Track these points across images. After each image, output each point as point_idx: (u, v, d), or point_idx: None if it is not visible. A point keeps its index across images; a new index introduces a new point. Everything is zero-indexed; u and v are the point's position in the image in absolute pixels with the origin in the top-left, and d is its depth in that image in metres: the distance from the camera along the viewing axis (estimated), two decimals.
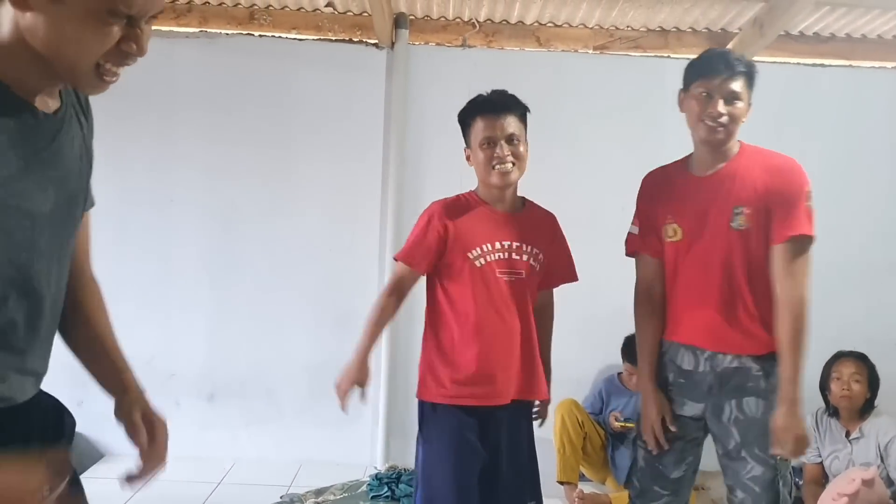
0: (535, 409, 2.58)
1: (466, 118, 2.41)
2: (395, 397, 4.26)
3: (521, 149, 2.37)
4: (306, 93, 4.22)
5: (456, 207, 2.40)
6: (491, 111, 2.35)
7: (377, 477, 3.76)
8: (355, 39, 4.22)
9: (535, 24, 4.28)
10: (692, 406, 2.37)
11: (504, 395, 2.36)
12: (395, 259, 2.48)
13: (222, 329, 4.30)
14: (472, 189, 2.48)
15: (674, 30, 4.30)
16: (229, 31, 4.22)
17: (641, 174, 4.25)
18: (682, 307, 2.39)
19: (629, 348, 3.97)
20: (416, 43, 4.22)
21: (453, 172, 4.20)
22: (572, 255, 2.67)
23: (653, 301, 2.53)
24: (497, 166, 2.32)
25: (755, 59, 4.13)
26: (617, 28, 4.30)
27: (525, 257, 2.40)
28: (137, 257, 4.19)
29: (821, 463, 3.62)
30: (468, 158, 2.43)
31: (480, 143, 2.33)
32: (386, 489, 3.63)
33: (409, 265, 2.40)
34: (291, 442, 4.30)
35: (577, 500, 3.75)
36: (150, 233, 4.21)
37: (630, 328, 4.01)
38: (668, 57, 4.25)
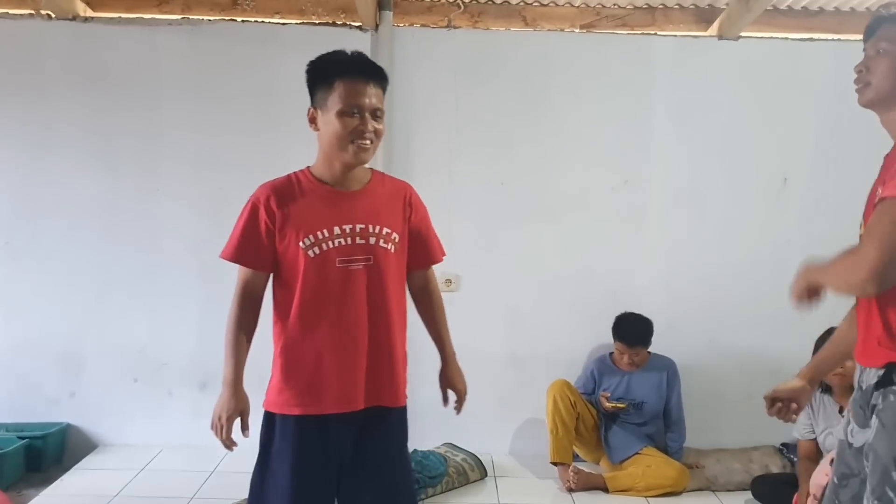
0: (454, 403, 2.40)
1: (326, 76, 2.03)
2: None
3: (381, 126, 2.07)
4: (291, 78, 4.09)
5: (284, 190, 2.08)
6: (361, 76, 2.02)
7: None
8: (339, 22, 4.18)
9: (521, 3, 4.24)
10: (860, 434, 1.88)
11: (347, 401, 2.08)
12: (225, 258, 2.14)
13: (213, 317, 4.20)
14: (307, 166, 2.16)
15: (661, 6, 4.25)
16: (212, 18, 4.18)
17: (630, 153, 4.28)
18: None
19: (620, 328, 3.97)
20: (401, 25, 4.17)
21: (441, 155, 4.23)
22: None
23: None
24: (357, 141, 2.00)
25: (742, 34, 4.12)
26: (603, 6, 4.25)
27: (373, 240, 2.09)
28: (126, 248, 4.17)
29: (814, 439, 3.60)
30: (312, 121, 2.08)
31: (342, 111, 1.99)
32: None
33: (243, 264, 2.11)
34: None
35: (572, 475, 3.75)
36: (139, 223, 4.18)
37: (620, 307, 4.07)
38: (656, 34, 4.20)
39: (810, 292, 1.92)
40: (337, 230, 2.06)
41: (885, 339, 1.79)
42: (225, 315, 4.17)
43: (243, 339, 2.12)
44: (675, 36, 4.19)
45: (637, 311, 4.01)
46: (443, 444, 4.07)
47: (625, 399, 3.93)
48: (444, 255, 2.35)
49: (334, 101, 2.01)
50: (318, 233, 2.05)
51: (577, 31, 4.26)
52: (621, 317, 3.99)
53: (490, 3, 4.23)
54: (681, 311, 4.17)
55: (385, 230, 2.12)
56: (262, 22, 4.19)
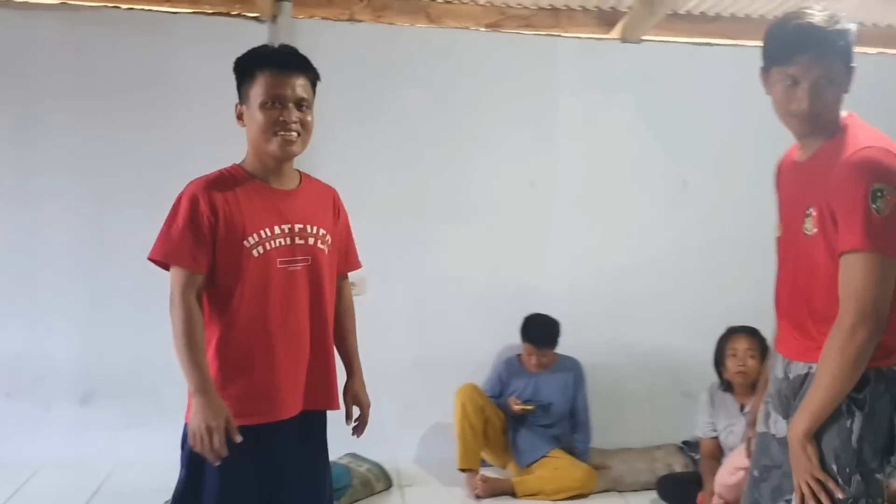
0: (355, 420, 2.29)
1: (248, 69, 1.99)
2: None
3: (309, 118, 2.04)
4: (182, 70, 3.94)
5: (222, 186, 1.97)
6: (282, 67, 1.98)
7: None
8: (234, 13, 3.97)
9: None
10: (782, 424, 1.95)
11: (290, 407, 2.02)
12: (153, 260, 1.97)
13: (98, 325, 3.99)
14: (237, 162, 2.07)
15: (564, 8, 4.25)
16: (94, 3, 3.89)
17: (539, 154, 4.26)
18: (781, 310, 2.03)
19: (528, 329, 3.93)
20: (300, 17, 4.00)
21: (344, 154, 4.08)
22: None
23: None
24: (281, 133, 1.95)
25: (644, 38, 4.16)
26: (508, 6, 4.21)
27: (311, 241, 2.04)
28: None
29: (716, 437, 3.66)
30: (239, 117, 2.03)
31: (263, 103, 1.95)
32: None
33: (185, 266, 1.92)
34: (178, 442, 4.03)
35: (479, 484, 3.67)
36: (13, 224, 3.86)
37: (527, 309, 4.03)
38: (560, 36, 4.20)
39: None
40: (277, 229, 1.99)
41: (820, 336, 1.81)
42: (110, 324, 3.95)
43: (202, 344, 1.94)
44: (580, 38, 4.19)
45: (544, 313, 3.98)
46: (345, 455, 3.92)
47: (532, 401, 3.89)
48: (360, 264, 2.34)
49: (256, 93, 1.97)
50: (262, 231, 1.97)
51: (483, 29, 4.21)
52: (529, 318, 3.95)
53: None
54: (585, 311, 4.17)
55: (321, 231, 2.09)
56: (150, 10, 3.94)
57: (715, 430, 3.67)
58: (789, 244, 1.95)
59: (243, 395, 1.96)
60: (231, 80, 3.86)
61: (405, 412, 4.12)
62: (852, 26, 1.85)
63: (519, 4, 4.21)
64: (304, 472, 2.08)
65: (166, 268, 1.98)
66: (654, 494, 3.77)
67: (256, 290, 1.96)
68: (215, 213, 1.94)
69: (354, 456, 3.89)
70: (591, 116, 4.19)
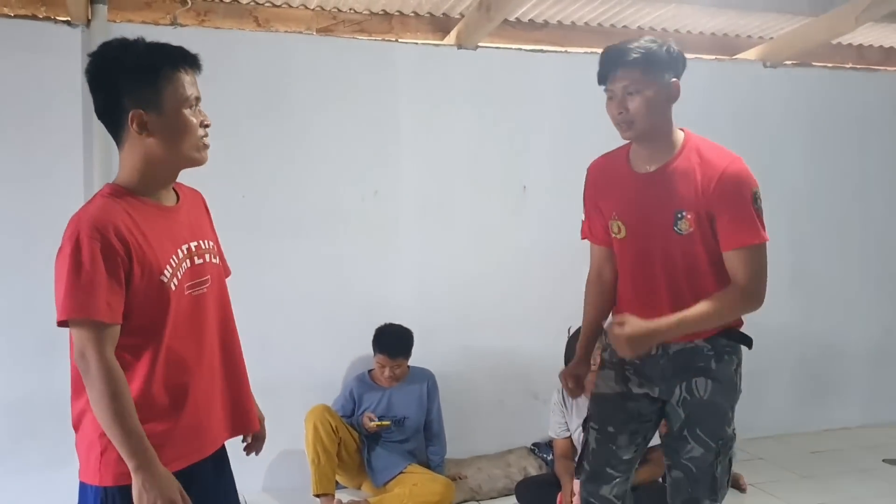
0: (245, 443, 2.11)
1: (159, 69, 1.70)
2: None
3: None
4: None
5: (121, 216, 1.67)
6: (193, 66, 1.76)
7: None
8: (40, 16, 3.60)
9: (252, 3, 3.95)
10: (650, 387, 2.30)
11: (213, 441, 1.86)
12: (69, 320, 1.64)
13: None
14: (112, 182, 1.79)
15: (397, 14, 4.19)
16: None
17: (380, 161, 4.15)
18: (631, 300, 2.31)
19: (381, 339, 3.83)
20: (117, 21, 3.69)
21: None
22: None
23: (601, 283, 2.48)
24: (205, 139, 1.77)
25: (480, 44, 4.18)
26: (339, 10, 4.10)
27: (208, 257, 1.86)
28: None
29: (569, 437, 3.71)
30: (143, 126, 1.69)
31: (188, 102, 1.73)
32: None
33: (101, 318, 1.62)
34: None
35: None
36: None
37: (375, 322, 3.92)
38: (397, 41, 4.13)
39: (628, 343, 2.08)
40: (181, 253, 1.77)
41: None
42: None
43: (132, 408, 1.64)
44: (417, 44, 4.14)
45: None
46: None
47: (387, 416, 3.78)
48: (230, 271, 2.09)
49: (176, 95, 1.71)
50: (171, 260, 1.74)
51: (315, 34, 4.06)
52: (381, 328, 3.85)
53: (219, 1, 3.89)
54: (435, 320, 4.12)
55: (209, 243, 1.89)
56: None
57: (568, 430, 3.72)
58: (649, 242, 2.22)
59: (170, 439, 1.73)
60: (41, 90, 3.56)
61: None
62: (663, 45, 2.15)
63: (351, 9, 4.11)
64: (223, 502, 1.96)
65: (66, 324, 1.67)
66: (513, 499, 3.76)
67: (175, 326, 1.73)
68: (128, 252, 1.66)
69: None
70: (431, 123, 4.15)
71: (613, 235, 2.32)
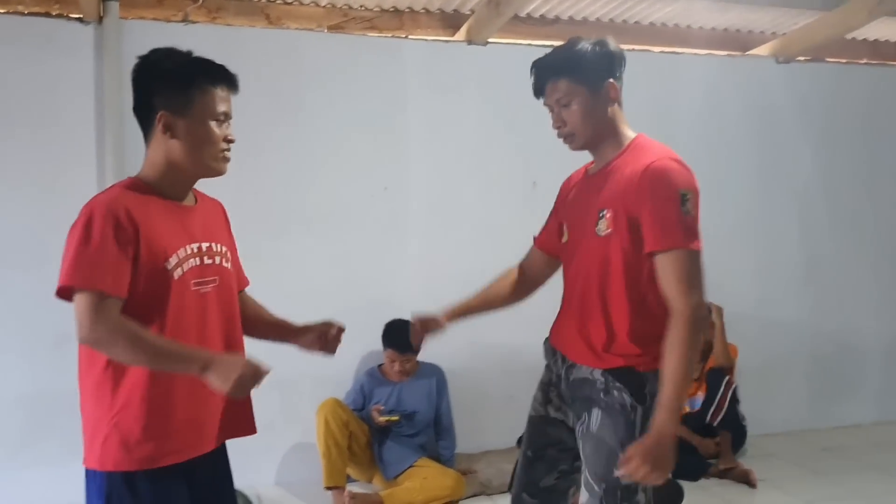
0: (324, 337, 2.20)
1: (197, 80, 1.81)
2: None
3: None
4: None
5: (134, 201, 1.75)
6: (230, 86, 1.89)
7: None
8: (54, 13, 3.64)
9: (264, 0, 3.98)
10: (564, 412, 2.12)
11: (212, 438, 1.87)
12: (71, 288, 1.67)
13: None
14: (136, 175, 1.86)
15: (408, 10, 4.21)
16: None
17: (389, 157, 4.17)
18: (560, 309, 2.22)
19: (390, 335, 3.85)
20: (129, 18, 3.72)
21: None
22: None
23: (507, 274, 2.50)
24: (225, 151, 1.86)
25: (490, 40, 4.18)
26: (350, 7, 4.12)
27: (218, 259, 1.91)
28: None
29: None
30: (168, 127, 1.78)
31: (216, 116, 1.82)
32: None
33: (104, 288, 1.64)
34: (6, 489, 3.64)
35: (347, 500, 3.54)
36: None
37: (384, 317, 3.94)
38: (407, 38, 4.14)
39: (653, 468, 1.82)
40: (190, 249, 1.83)
41: (610, 345, 1.97)
42: None
43: (158, 338, 1.71)
44: (426, 40, 4.16)
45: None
46: None
47: (397, 411, 3.80)
48: (248, 281, 2.18)
49: (206, 107, 1.82)
50: (179, 251, 1.80)
51: (326, 31, 4.08)
52: (391, 324, 3.86)
53: None
54: None
55: (223, 248, 1.95)
56: None
57: None
58: (578, 246, 2.06)
59: (172, 430, 1.77)
60: (55, 86, 3.60)
61: (263, 433, 3.82)
62: (592, 45, 2.01)
63: (362, 6, 4.12)
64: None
65: (70, 298, 1.69)
66: None
67: (176, 316, 1.76)
68: (136, 232, 1.71)
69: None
70: (441, 119, 4.16)
71: (563, 241, 2.17)
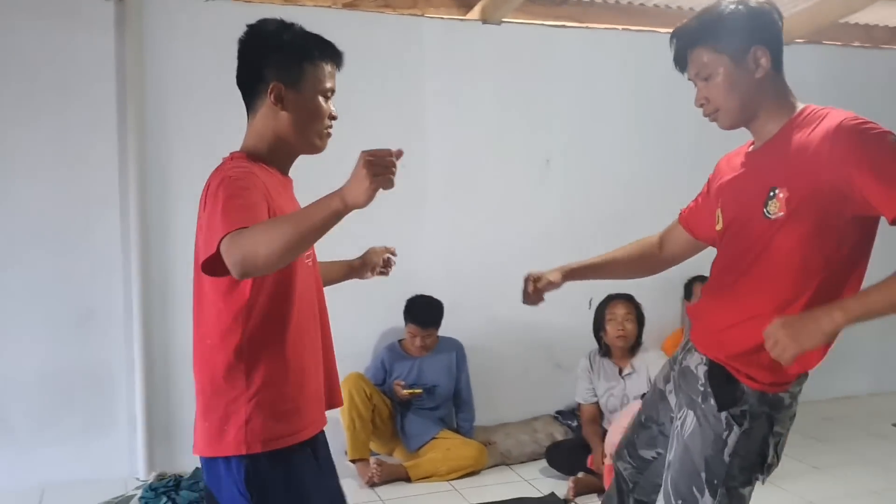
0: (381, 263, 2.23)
1: (313, 54, 1.79)
2: (154, 398, 3.78)
3: None
4: (15, 49, 3.54)
5: (258, 170, 1.72)
6: (338, 62, 1.87)
7: (151, 488, 3.30)
8: None
9: None
10: (673, 396, 1.96)
11: (324, 413, 1.88)
12: (233, 231, 1.51)
13: None
14: (240, 150, 1.81)
15: None
16: None
17: (406, 135, 4.21)
18: (703, 296, 2.00)
19: (412, 310, 3.90)
20: None
21: (204, 139, 3.83)
22: None
23: (644, 245, 2.22)
24: (329, 129, 1.84)
25: (505, 20, 4.24)
26: None
27: None
28: None
29: (596, 402, 3.81)
30: (279, 98, 1.74)
31: (325, 91, 1.80)
32: (165, 499, 3.19)
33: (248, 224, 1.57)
34: (30, 465, 3.65)
35: (375, 467, 3.61)
36: None
37: (404, 293, 3.99)
38: (422, 16, 4.18)
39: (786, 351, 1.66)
40: None
41: (736, 342, 1.79)
42: None
43: (281, 220, 1.58)
44: (443, 19, 4.20)
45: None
46: None
47: (418, 385, 3.86)
48: None
49: (318, 81, 1.79)
50: None
51: (340, 8, 4.10)
52: (413, 299, 3.92)
53: None
54: (461, 291, 4.18)
55: None
56: None
57: (595, 395, 3.82)
58: (738, 233, 1.84)
59: (304, 405, 1.76)
60: (75, 60, 3.59)
61: None
62: (735, 6, 1.77)
63: None
64: (335, 478, 1.93)
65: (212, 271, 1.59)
66: (542, 464, 3.87)
67: (299, 289, 1.76)
68: (269, 200, 1.66)
69: None
70: (456, 97, 4.20)
71: (717, 229, 1.93)
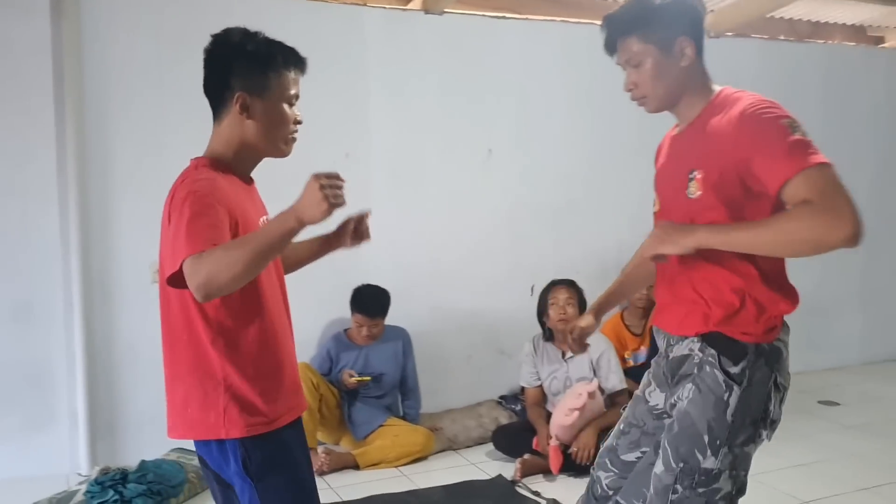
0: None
1: (276, 63, 1.82)
2: (96, 393, 3.72)
3: None
4: None
5: (222, 181, 1.76)
6: (301, 68, 1.89)
7: (96, 482, 3.25)
8: None
9: None
10: (657, 394, 2.04)
11: (303, 398, 1.96)
12: (197, 253, 1.58)
13: None
14: (205, 155, 1.84)
15: None
16: None
17: (350, 124, 4.23)
18: (657, 287, 2.08)
19: (359, 300, 3.93)
20: None
21: (146, 135, 3.78)
22: None
23: (637, 252, 2.25)
24: (294, 135, 1.88)
25: (446, 10, 4.28)
26: None
27: None
28: None
29: (540, 385, 3.90)
30: (245, 107, 1.79)
31: (289, 98, 1.84)
32: (112, 493, 3.15)
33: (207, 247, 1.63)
34: None
35: (324, 457, 3.64)
36: None
37: (349, 283, 4.01)
38: (365, 5, 4.19)
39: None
40: (260, 223, 1.86)
41: (708, 310, 1.86)
42: None
43: (241, 241, 1.63)
44: (385, 8, 4.22)
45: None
46: (172, 451, 3.67)
47: (365, 374, 3.89)
48: None
49: (282, 89, 1.83)
50: (259, 224, 1.85)
51: None
52: (359, 289, 3.94)
53: None
54: (407, 280, 4.22)
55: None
56: None
57: (539, 379, 3.91)
58: (669, 213, 1.94)
59: (280, 394, 1.80)
60: (9, 47, 3.49)
61: None
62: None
63: None
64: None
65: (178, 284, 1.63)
66: (489, 447, 3.94)
67: (268, 281, 1.81)
68: (232, 214, 1.71)
69: (182, 450, 3.66)
70: (399, 87, 4.23)
71: (654, 212, 2.05)
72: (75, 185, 3.62)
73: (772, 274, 1.85)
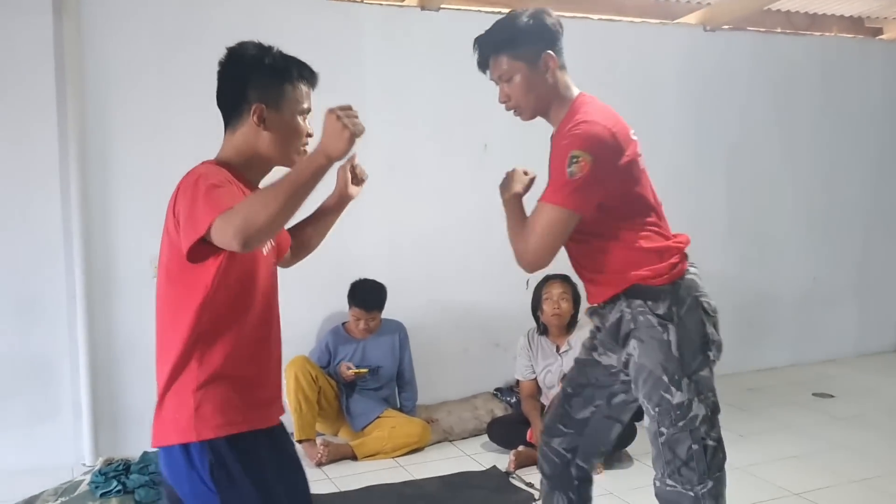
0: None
1: (291, 75, 1.87)
2: (99, 385, 3.79)
3: None
4: None
5: (230, 178, 1.78)
6: (313, 82, 1.95)
7: (101, 472, 3.33)
8: None
9: None
10: (608, 356, 2.21)
11: (281, 409, 1.93)
12: (216, 218, 1.58)
13: None
14: (215, 159, 1.85)
15: None
16: None
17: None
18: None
19: (356, 293, 3.99)
20: None
21: (145, 129, 3.84)
22: None
23: None
24: (306, 147, 1.90)
25: (443, 6, 4.31)
26: None
27: None
28: None
29: (535, 378, 3.96)
30: (261, 120, 1.82)
31: (302, 112, 1.89)
32: (115, 483, 3.23)
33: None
34: None
35: (322, 448, 3.71)
36: None
37: (346, 277, 4.07)
38: (362, 2, 4.23)
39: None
40: None
41: (615, 271, 2.11)
42: None
43: (275, 185, 1.63)
44: (381, 5, 4.25)
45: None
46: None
47: (362, 366, 3.96)
48: None
49: (296, 101, 1.88)
50: None
51: None
52: (357, 283, 4.00)
53: None
54: (403, 274, 4.29)
55: None
56: None
57: (533, 372, 3.97)
58: None
59: (264, 398, 1.83)
60: (12, 44, 3.54)
61: None
62: (523, 19, 2.10)
63: None
64: (300, 472, 1.94)
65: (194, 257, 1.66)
66: (483, 439, 4.01)
67: (259, 278, 1.83)
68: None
69: None
70: (396, 82, 4.28)
71: None
72: (77, 180, 3.68)
73: (650, 228, 2.14)
